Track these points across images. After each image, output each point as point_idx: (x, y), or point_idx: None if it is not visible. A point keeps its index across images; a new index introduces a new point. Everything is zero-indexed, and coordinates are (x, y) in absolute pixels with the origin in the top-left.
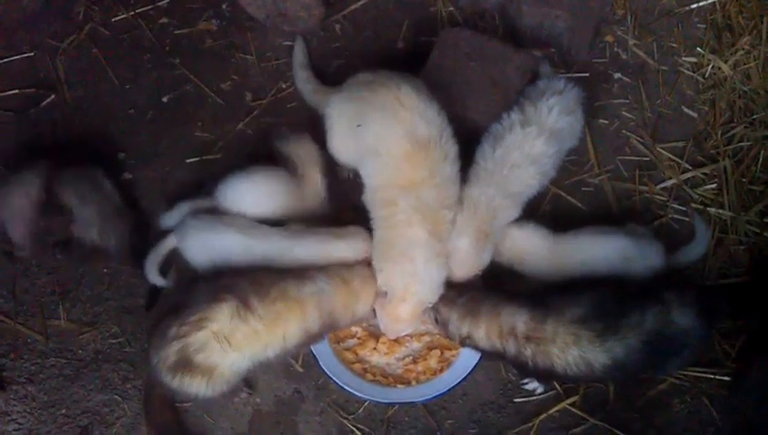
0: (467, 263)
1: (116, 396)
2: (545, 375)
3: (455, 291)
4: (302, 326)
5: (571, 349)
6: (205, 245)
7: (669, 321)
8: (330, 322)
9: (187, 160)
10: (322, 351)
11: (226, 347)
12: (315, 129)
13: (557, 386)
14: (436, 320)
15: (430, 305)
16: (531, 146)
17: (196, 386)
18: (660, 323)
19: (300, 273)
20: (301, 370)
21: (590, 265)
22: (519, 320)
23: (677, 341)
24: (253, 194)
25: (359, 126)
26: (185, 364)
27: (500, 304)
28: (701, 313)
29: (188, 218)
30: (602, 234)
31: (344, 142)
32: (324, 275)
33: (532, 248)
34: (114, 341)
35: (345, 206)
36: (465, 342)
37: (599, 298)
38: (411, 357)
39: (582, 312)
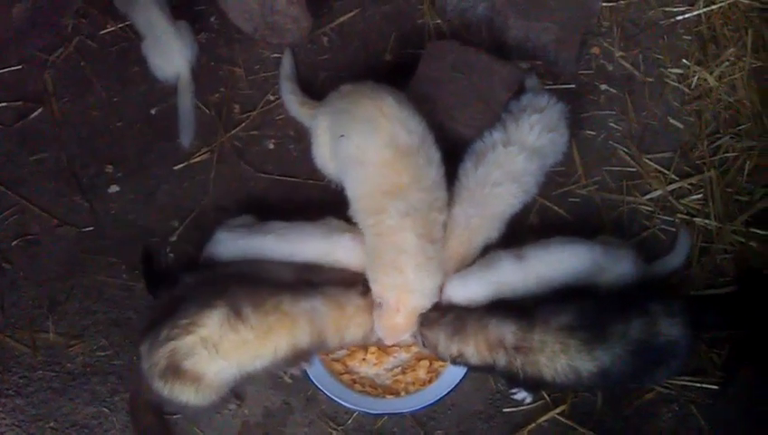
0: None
1: (104, 409)
2: (534, 385)
3: (437, 312)
4: (291, 341)
5: (559, 357)
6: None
7: (656, 331)
8: (319, 341)
9: (175, 167)
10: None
11: (214, 354)
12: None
13: (545, 396)
14: (424, 344)
15: (425, 311)
16: (512, 163)
17: (185, 394)
18: (646, 334)
19: (295, 289)
20: (289, 381)
21: (558, 279)
22: (507, 331)
23: (664, 351)
24: None
25: (341, 136)
26: (174, 370)
27: (486, 318)
28: (687, 323)
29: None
30: (568, 245)
31: (328, 154)
32: (321, 294)
33: (473, 298)
34: (102, 353)
35: None
36: (457, 360)
37: (584, 308)
38: (400, 368)
39: (568, 321)
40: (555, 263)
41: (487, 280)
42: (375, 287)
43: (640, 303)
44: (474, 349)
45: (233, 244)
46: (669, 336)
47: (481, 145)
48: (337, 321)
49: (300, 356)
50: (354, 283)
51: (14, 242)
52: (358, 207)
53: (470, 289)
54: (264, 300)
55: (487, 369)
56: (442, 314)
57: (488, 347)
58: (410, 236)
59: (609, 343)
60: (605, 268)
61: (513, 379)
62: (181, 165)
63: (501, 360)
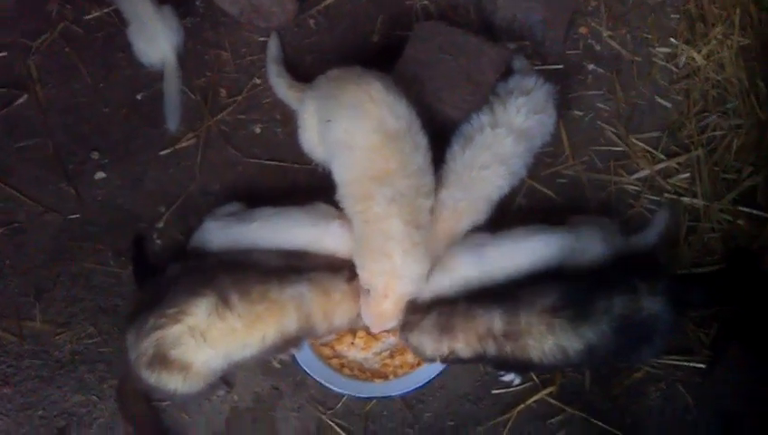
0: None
1: (93, 397)
2: (523, 367)
3: (417, 314)
4: (279, 328)
5: (546, 338)
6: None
7: (639, 307)
8: (307, 327)
9: (161, 153)
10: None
11: (201, 343)
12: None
13: (534, 377)
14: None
15: (413, 297)
16: (500, 146)
17: (173, 382)
18: (629, 310)
19: (282, 275)
20: (278, 366)
21: (523, 270)
22: (494, 319)
23: (647, 327)
24: None
25: (329, 121)
26: (161, 359)
27: (472, 309)
28: (671, 300)
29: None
30: (533, 235)
31: (316, 138)
32: (307, 281)
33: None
34: (90, 341)
35: None
36: (449, 359)
37: (566, 287)
38: (388, 351)
39: (551, 301)
40: (517, 255)
41: (449, 278)
42: (363, 274)
43: (623, 279)
44: (463, 343)
45: (221, 232)
46: (652, 311)
47: (468, 128)
48: (324, 306)
49: (289, 343)
50: (340, 268)
51: (0, 230)
52: (345, 193)
53: (433, 286)
54: (251, 288)
55: (477, 359)
56: (421, 316)
57: (478, 338)
58: (397, 222)
59: (593, 319)
60: (575, 251)
61: (503, 364)
62: (167, 150)
63: (491, 348)
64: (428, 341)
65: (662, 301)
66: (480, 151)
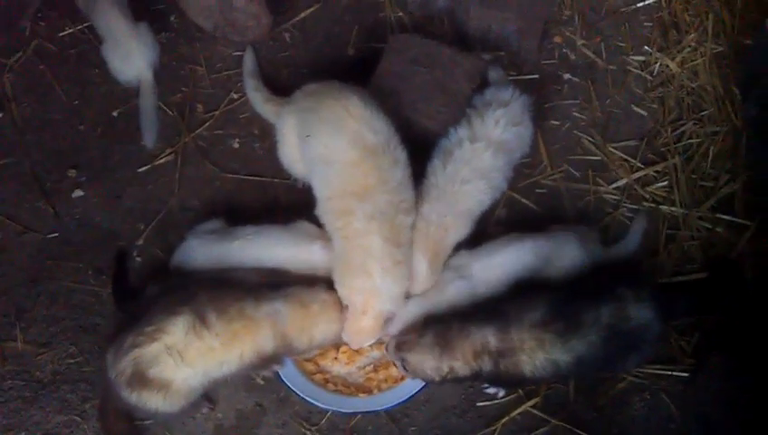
0: (424, 284)
1: (75, 417)
2: (516, 383)
3: (412, 334)
4: (254, 347)
5: (537, 353)
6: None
7: (626, 316)
8: (284, 344)
9: (139, 170)
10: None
11: (179, 361)
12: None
13: (519, 389)
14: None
15: (391, 315)
16: (479, 160)
17: (153, 401)
18: (617, 319)
19: (259, 292)
20: (261, 382)
21: (506, 282)
22: (488, 335)
23: (635, 336)
24: None
25: (308, 136)
26: (140, 378)
27: (466, 327)
28: (657, 308)
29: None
30: (511, 244)
31: (295, 153)
32: (282, 296)
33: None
34: (72, 361)
35: None
36: (447, 377)
37: (554, 299)
38: (372, 365)
39: (540, 315)
40: (498, 268)
41: (438, 301)
42: (342, 290)
43: (609, 288)
44: (462, 361)
45: (203, 250)
46: (639, 321)
47: (447, 142)
48: (301, 321)
49: (267, 361)
50: (318, 280)
51: None
52: (325, 209)
53: (419, 309)
54: (228, 306)
55: (474, 377)
56: (416, 335)
57: (474, 356)
58: (377, 239)
59: (582, 331)
60: (552, 256)
61: (497, 380)
62: (145, 167)
63: (487, 365)
64: (429, 360)
65: (649, 308)
66: (460, 166)
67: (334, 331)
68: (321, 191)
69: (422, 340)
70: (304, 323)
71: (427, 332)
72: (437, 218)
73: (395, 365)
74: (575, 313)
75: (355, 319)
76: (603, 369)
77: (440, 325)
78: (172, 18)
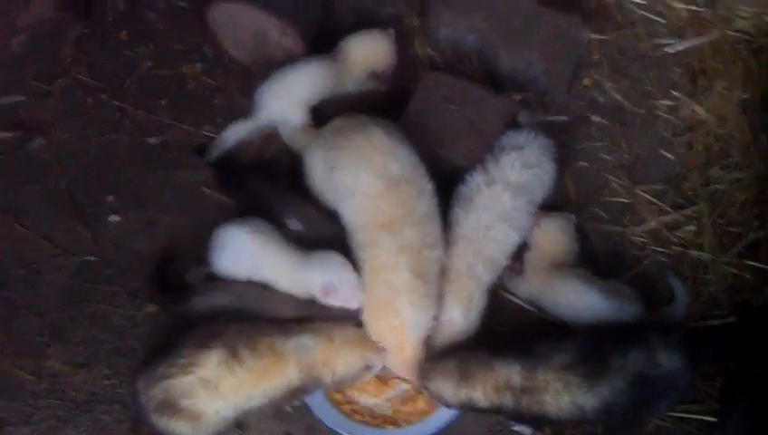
0: (458, 331)
1: None
2: (539, 421)
3: (433, 361)
4: (283, 381)
5: (562, 395)
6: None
7: (655, 363)
8: (311, 377)
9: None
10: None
11: (213, 394)
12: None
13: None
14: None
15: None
16: (498, 203)
17: (182, 429)
18: (646, 365)
19: (286, 327)
20: (291, 411)
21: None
22: (513, 372)
23: (664, 382)
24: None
25: (333, 168)
26: (170, 407)
27: (491, 360)
28: (686, 354)
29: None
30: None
31: (323, 185)
32: (310, 330)
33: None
34: (107, 382)
35: None
36: (466, 406)
37: (582, 343)
38: (400, 398)
39: (569, 358)
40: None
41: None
42: (373, 331)
43: (638, 333)
44: (481, 393)
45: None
46: (668, 367)
47: (466, 189)
48: (325, 354)
49: (296, 393)
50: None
51: (16, 271)
52: (355, 240)
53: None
54: (258, 340)
55: (494, 411)
56: (440, 362)
57: (495, 390)
58: (405, 274)
59: (609, 376)
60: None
61: (518, 418)
62: (179, 193)
63: (508, 401)
64: (448, 386)
65: (678, 355)
66: (482, 212)
67: (356, 364)
68: (348, 223)
69: (443, 366)
70: (328, 357)
71: (449, 358)
72: (468, 269)
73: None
74: (603, 357)
75: (396, 355)
76: (631, 414)
77: (465, 353)
78: (206, 48)
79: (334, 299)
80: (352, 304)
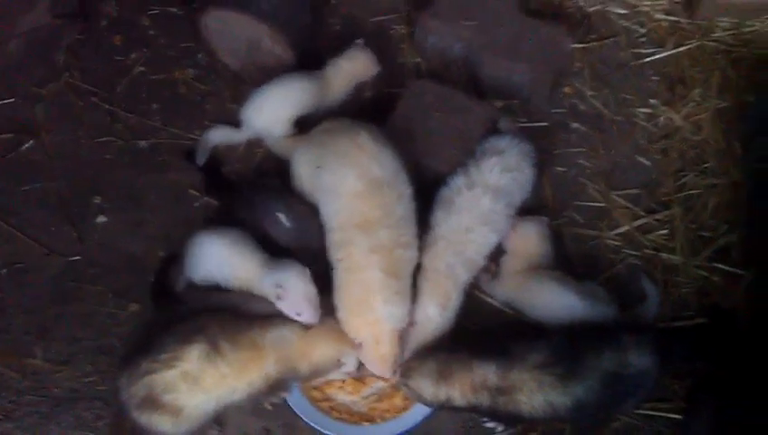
0: (434, 328)
1: (89, 433)
2: (514, 420)
3: (415, 360)
4: (262, 373)
5: (536, 394)
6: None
7: (627, 363)
8: (288, 369)
9: (162, 198)
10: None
11: (194, 388)
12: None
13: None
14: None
15: (403, 331)
16: (478, 206)
17: (163, 424)
18: (617, 365)
19: (266, 319)
20: (269, 408)
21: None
22: (489, 372)
23: (634, 381)
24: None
25: (318, 168)
26: (152, 402)
27: (470, 360)
28: (657, 356)
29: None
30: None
31: (309, 186)
32: (290, 322)
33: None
34: (88, 379)
35: None
36: (444, 405)
37: (557, 343)
38: (376, 395)
39: (543, 358)
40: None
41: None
42: (348, 328)
43: (612, 335)
44: (459, 392)
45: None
46: (639, 367)
47: (447, 191)
48: (302, 345)
49: (274, 387)
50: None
51: (3, 270)
52: (331, 241)
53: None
54: (239, 334)
55: (471, 409)
56: (420, 361)
57: (473, 389)
58: (377, 273)
59: (582, 375)
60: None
61: (493, 416)
62: (167, 195)
63: (485, 400)
64: (428, 384)
65: (648, 355)
66: (463, 214)
67: (333, 354)
68: (328, 222)
69: (423, 366)
70: (305, 348)
71: (429, 358)
72: (447, 269)
73: (400, 390)
74: (577, 357)
75: (372, 350)
76: (601, 412)
77: (445, 354)
78: (199, 56)
79: (284, 305)
80: (304, 317)
